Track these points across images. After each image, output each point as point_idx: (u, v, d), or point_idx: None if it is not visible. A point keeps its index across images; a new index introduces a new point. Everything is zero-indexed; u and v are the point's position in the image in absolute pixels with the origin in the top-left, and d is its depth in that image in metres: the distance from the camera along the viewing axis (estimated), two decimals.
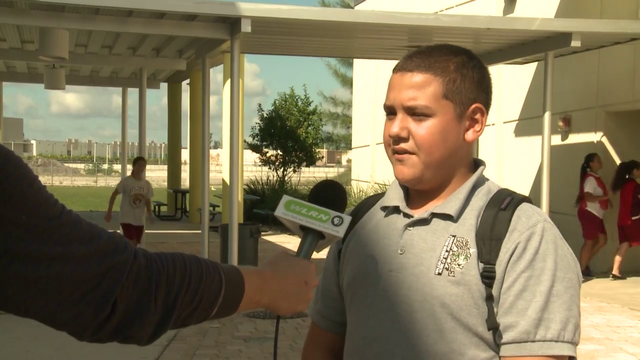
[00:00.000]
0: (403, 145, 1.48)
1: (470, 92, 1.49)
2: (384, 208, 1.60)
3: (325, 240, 1.35)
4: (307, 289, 1.31)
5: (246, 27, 8.43)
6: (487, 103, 1.53)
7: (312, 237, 1.34)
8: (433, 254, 1.46)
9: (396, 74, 1.51)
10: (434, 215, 1.50)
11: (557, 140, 11.81)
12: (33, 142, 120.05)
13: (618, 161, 11.36)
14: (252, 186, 20.84)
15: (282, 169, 21.83)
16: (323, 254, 1.67)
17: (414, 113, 1.47)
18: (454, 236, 1.46)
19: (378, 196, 1.67)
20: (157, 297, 1.10)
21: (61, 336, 1.10)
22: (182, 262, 1.16)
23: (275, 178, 21.62)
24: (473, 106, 1.49)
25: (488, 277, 1.41)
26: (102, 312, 1.05)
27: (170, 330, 1.16)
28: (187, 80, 19.35)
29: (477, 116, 1.51)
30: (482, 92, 1.51)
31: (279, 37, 10.05)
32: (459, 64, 1.48)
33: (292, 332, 6.87)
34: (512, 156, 13.39)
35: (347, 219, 1.33)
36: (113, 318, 1.07)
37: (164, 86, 19.29)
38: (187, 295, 1.14)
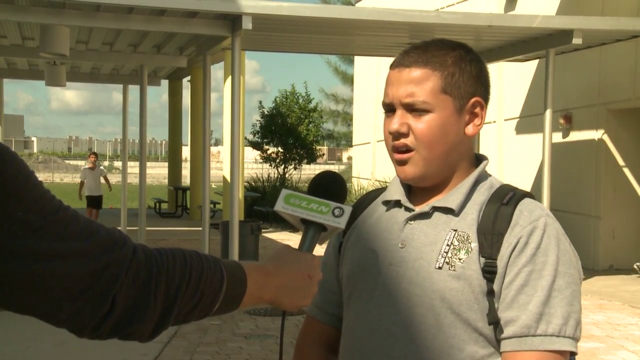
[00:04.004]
0: (403, 141, 1.47)
1: (469, 85, 1.48)
2: (386, 202, 1.58)
3: (328, 233, 1.33)
4: (311, 283, 1.28)
5: (247, 24, 8.43)
6: (486, 96, 1.52)
7: (313, 230, 1.32)
8: (434, 248, 1.45)
9: (393, 70, 1.50)
10: (435, 209, 1.49)
11: (558, 137, 11.80)
12: (34, 139, 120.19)
13: (620, 159, 11.36)
14: (253, 183, 20.84)
15: (283, 166, 21.84)
16: (324, 248, 1.66)
17: (413, 109, 1.46)
18: (455, 230, 1.45)
19: (379, 190, 1.65)
20: (157, 293, 1.09)
21: (62, 332, 1.10)
22: (182, 257, 1.14)
23: (275, 175, 21.63)
24: (472, 100, 1.48)
25: (489, 272, 1.40)
26: (101, 309, 1.04)
27: (171, 326, 1.15)
28: (188, 78, 19.34)
29: (477, 110, 1.50)
30: (481, 86, 1.50)
31: (280, 34, 10.04)
32: (456, 58, 1.47)
33: (293, 328, 6.86)
34: (513, 154, 13.38)
35: (348, 209, 1.31)
36: (113, 315, 1.05)
37: (164, 83, 19.27)
38: (188, 291, 1.12)
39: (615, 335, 7.35)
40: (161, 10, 8.78)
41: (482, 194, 1.49)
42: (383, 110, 1.53)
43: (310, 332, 1.71)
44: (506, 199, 1.45)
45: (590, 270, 11.04)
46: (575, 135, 11.95)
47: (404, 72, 1.47)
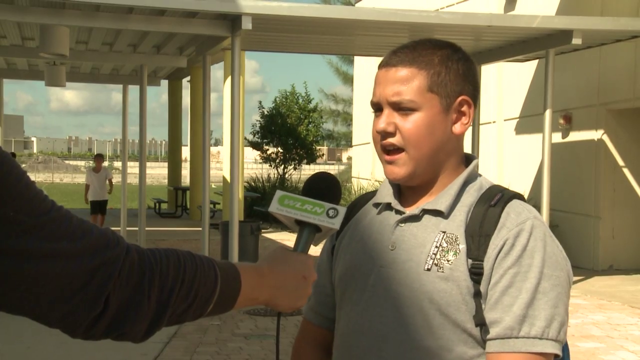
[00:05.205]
0: (391, 140, 1.47)
1: (456, 84, 1.48)
2: (376, 205, 1.60)
3: (322, 233, 1.34)
4: (306, 284, 1.29)
5: (247, 24, 8.43)
6: (474, 95, 1.52)
7: (308, 231, 1.32)
8: (423, 250, 1.46)
9: (381, 70, 1.51)
10: (425, 211, 1.50)
11: (557, 137, 11.80)
12: (33, 139, 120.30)
13: (619, 159, 11.35)
14: (253, 183, 20.83)
15: (283, 166, 21.83)
16: (319, 249, 1.66)
17: (400, 108, 1.46)
18: (444, 232, 1.45)
19: (373, 193, 1.66)
20: (151, 293, 1.09)
21: (62, 333, 1.10)
22: (175, 258, 1.14)
23: (275, 175, 21.63)
24: (459, 99, 1.49)
25: (476, 274, 1.41)
26: (94, 309, 1.04)
27: (166, 327, 1.15)
28: (188, 78, 19.34)
29: (464, 108, 1.50)
30: (468, 84, 1.50)
31: (280, 34, 10.04)
32: (443, 57, 1.48)
33: (292, 329, 6.86)
34: (513, 154, 13.38)
35: (342, 210, 1.31)
36: (106, 315, 1.05)
37: (164, 83, 19.27)
38: (181, 291, 1.12)
39: (614, 335, 7.35)
40: (161, 11, 8.78)
41: (471, 195, 1.49)
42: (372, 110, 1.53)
43: (306, 335, 1.73)
44: (494, 201, 1.46)
45: (590, 270, 11.05)
46: (575, 136, 11.95)
47: (390, 71, 1.48)
